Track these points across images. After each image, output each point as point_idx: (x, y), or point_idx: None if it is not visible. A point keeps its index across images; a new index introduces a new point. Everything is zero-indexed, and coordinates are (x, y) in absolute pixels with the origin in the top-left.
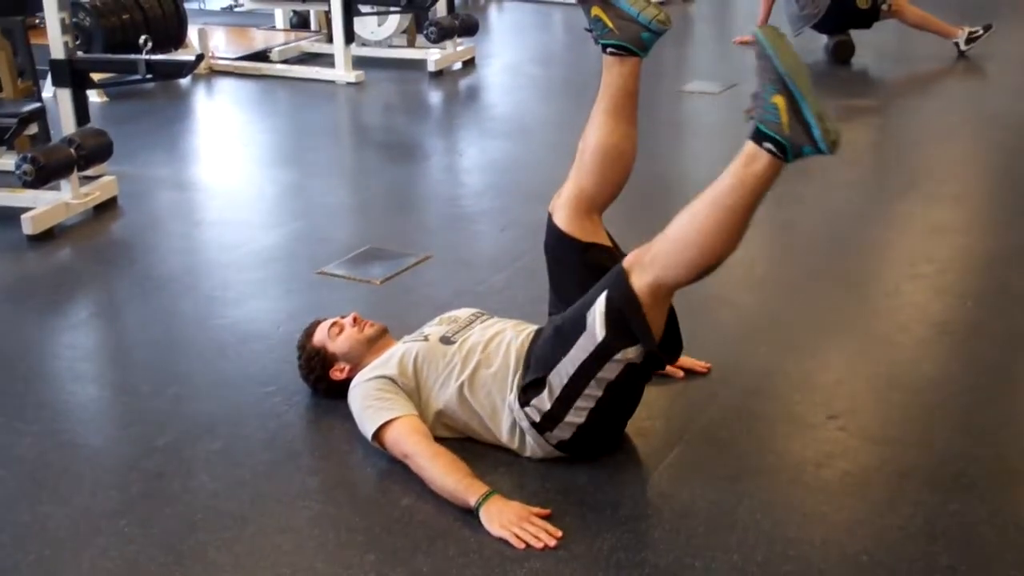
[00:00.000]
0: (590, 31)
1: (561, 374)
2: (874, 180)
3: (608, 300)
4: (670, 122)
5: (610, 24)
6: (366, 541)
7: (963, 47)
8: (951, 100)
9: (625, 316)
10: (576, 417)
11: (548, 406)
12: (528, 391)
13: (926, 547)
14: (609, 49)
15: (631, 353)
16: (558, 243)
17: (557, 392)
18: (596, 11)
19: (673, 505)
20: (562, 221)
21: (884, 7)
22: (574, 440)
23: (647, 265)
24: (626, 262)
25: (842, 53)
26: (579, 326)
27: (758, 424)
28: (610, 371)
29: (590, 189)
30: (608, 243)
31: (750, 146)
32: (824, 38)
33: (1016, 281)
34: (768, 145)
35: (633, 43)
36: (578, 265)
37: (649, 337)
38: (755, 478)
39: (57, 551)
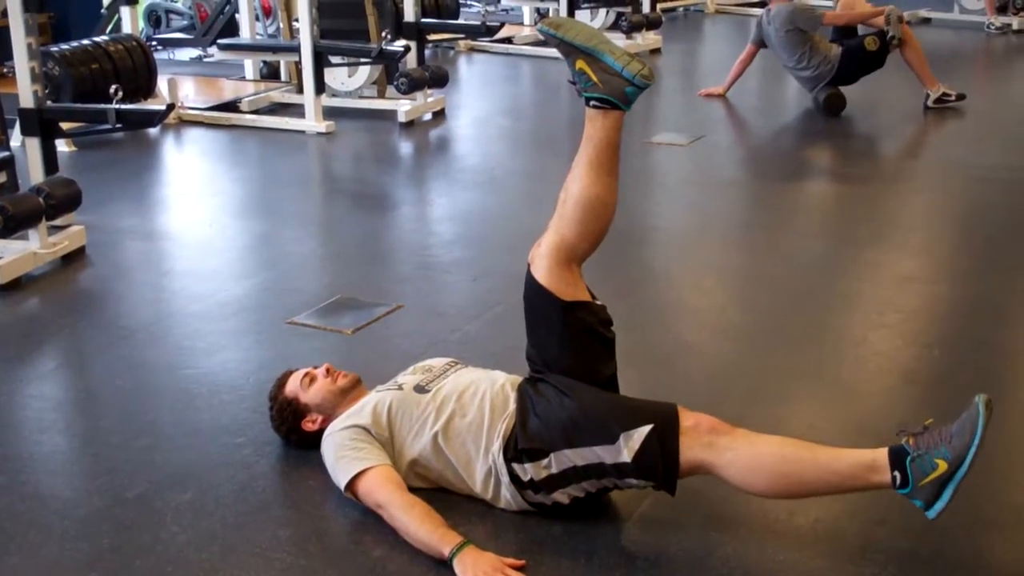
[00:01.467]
0: (574, 83)
1: (564, 460)
2: (842, 230)
3: (650, 443)
4: (638, 173)
5: (594, 78)
6: None
7: (930, 103)
8: (919, 151)
9: (661, 467)
10: (562, 498)
11: (540, 477)
12: (522, 454)
13: None
14: (593, 102)
15: (639, 483)
16: (538, 297)
17: (555, 471)
18: (580, 64)
19: (647, 554)
20: (542, 274)
21: (895, 42)
22: (552, 508)
23: (707, 443)
24: (688, 420)
25: (833, 106)
26: (606, 435)
27: None
28: (610, 482)
29: (571, 239)
30: (588, 297)
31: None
32: (798, 91)
33: (983, 330)
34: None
35: (617, 97)
36: (560, 326)
37: (671, 488)
38: (728, 526)
39: None
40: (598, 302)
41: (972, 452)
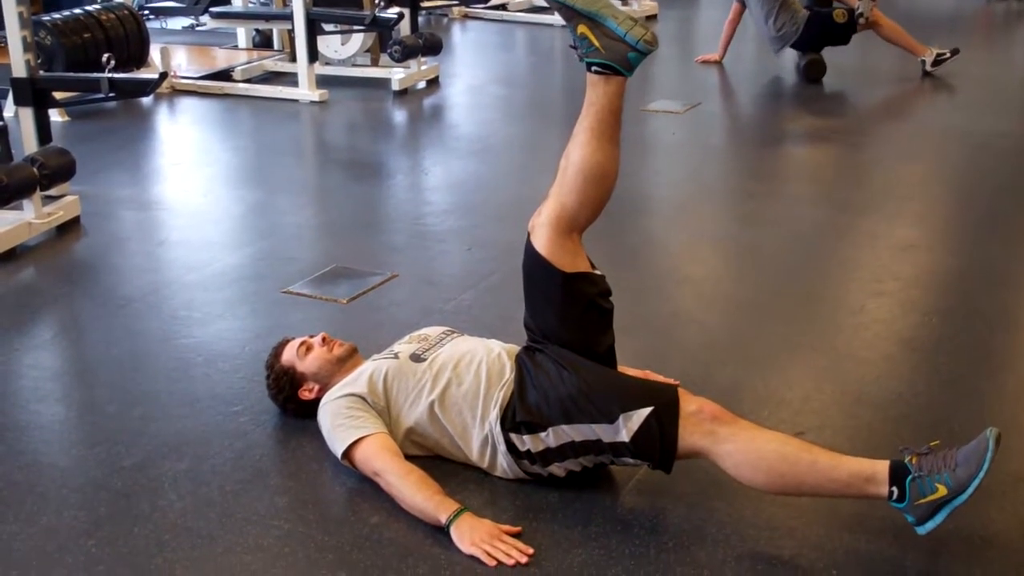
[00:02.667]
0: (575, 48)
1: (562, 435)
2: (839, 198)
3: (649, 425)
4: (633, 141)
5: (596, 43)
6: (336, 560)
7: (928, 68)
8: (916, 118)
9: (658, 450)
10: (558, 471)
11: (537, 449)
12: (520, 425)
13: (895, 562)
14: (595, 68)
15: (631, 461)
16: (537, 267)
17: (552, 445)
18: (583, 29)
19: (643, 521)
20: (542, 244)
21: (861, 20)
22: (547, 479)
23: (708, 431)
24: (690, 405)
25: (814, 72)
26: (605, 414)
27: None
28: (606, 458)
29: (572, 208)
30: (588, 267)
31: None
32: (793, 57)
33: (981, 297)
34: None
35: (619, 63)
36: (560, 297)
37: (667, 468)
38: (724, 494)
39: (24, 572)
40: (598, 272)
41: (976, 484)
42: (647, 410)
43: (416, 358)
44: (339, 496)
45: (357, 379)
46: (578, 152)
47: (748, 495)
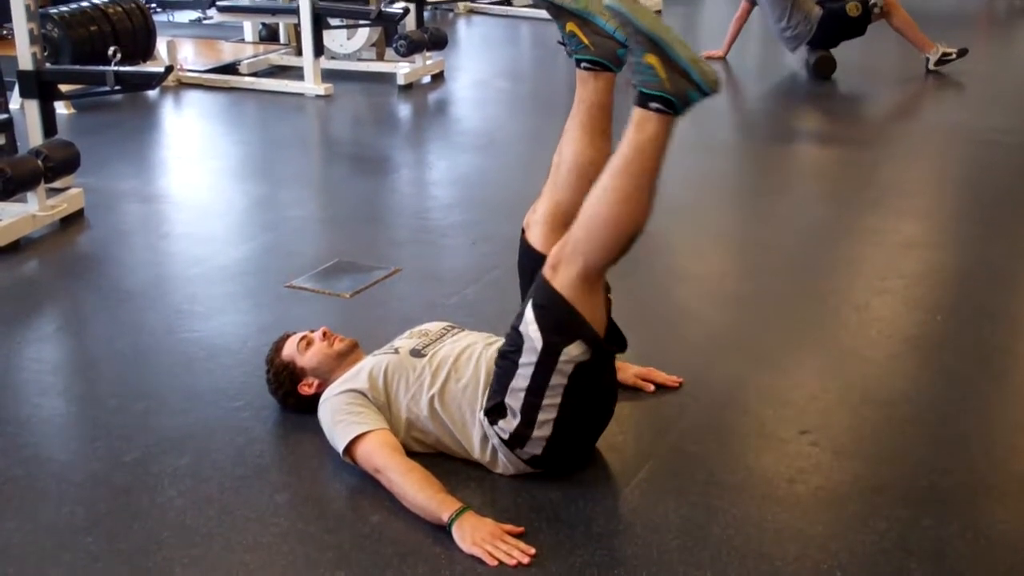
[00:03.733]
0: (563, 44)
1: (516, 394)
2: (844, 195)
3: (536, 307)
4: None
5: (585, 40)
6: (336, 558)
7: (932, 66)
8: (921, 116)
9: (556, 316)
10: (542, 431)
11: (513, 427)
12: (492, 414)
13: (899, 562)
14: (584, 64)
15: (575, 351)
16: (531, 263)
17: (518, 412)
18: (571, 27)
19: (645, 521)
20: (537, 240)
21: (876, 10)
22: (546, 455)
23: (567, 260)
24: (546, 266)
25: (824, 69)
26: (518, 342)
27: (730, 439)
28: (561, 376)
29: (565, 204)
30: None
31: (638, 112)
32: (798, 54)
33: (986, 295)
34: (655, 104)
35: (609, 59)
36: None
37: (586, 327)
38: (727, 493)
39: (21, 568)
40: None
41: (641, 25)
42: (529, 304)
43: (416, 353)
44: (339, 493)
45: (358, 375)
46: (570, 148)
47: (752, 494)
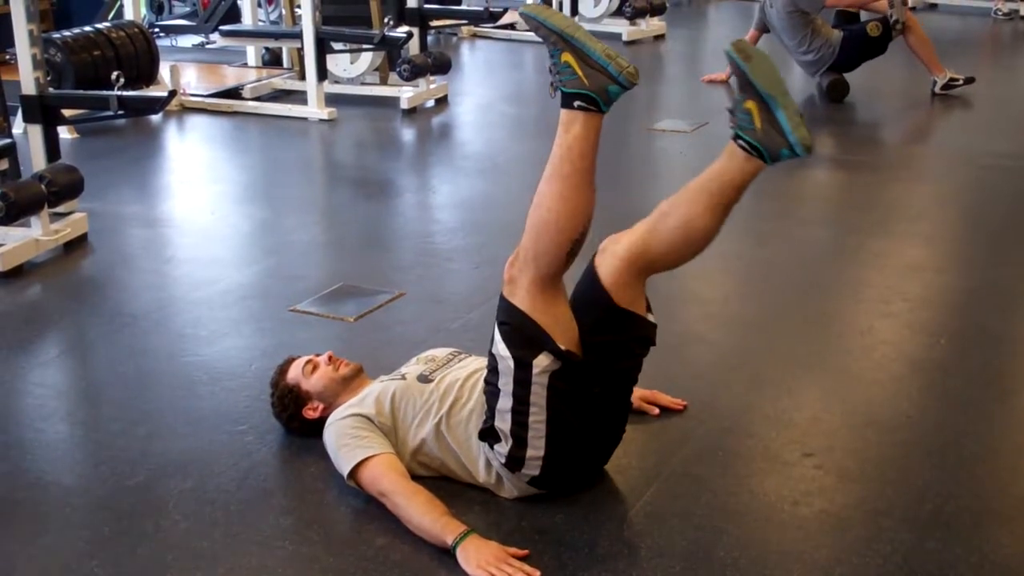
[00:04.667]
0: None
1: (504, 415)
2: (848, 219)
3: (500, 325)
4: (641, 160)
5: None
6: None
7: (938, 89)
8: (926, 139)
9: (518, 330)
10: (535, 451)
11: (507, 450)
12: (486, 437)
13: None
14: (577, 103)
15: (544, 361)
16: (590, 290)
17: (508, 434)
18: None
19: (650, 544)
20: (605, 269)
21: (898, 27)
22: (544, 475)
23: (519, 272)
24: (503, 283)
25: (837, 92)
26: (494, 364)
27: (734, 462)
28: (540, 388)
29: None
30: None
31: (563, 113)
32: (801, 77)
33: (990, 319)
34: (578, 103)
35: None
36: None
37: (545, 337)
38: (732, 516)
39: None
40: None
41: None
42: (495, 325)
43: (423, 379)
44: (344, 517)
45: (364, 400)
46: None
47: (756, 519)
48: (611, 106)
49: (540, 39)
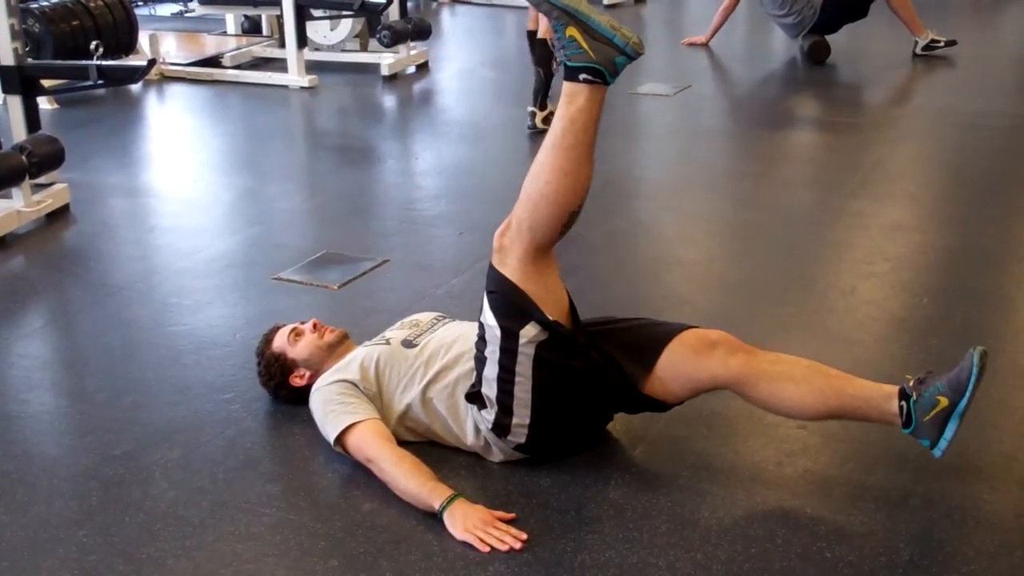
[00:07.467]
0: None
1: (489, 383)
2: (830, 180)
3: (489, 294)
4: (624, 124)
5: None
6: (328, 547)
7: (919, 50)
8: (908, 100)
9: (507, 300)
10: (520, 419)
11: (493, 416)
12: (472, 400)
13: (888, 543)
14: (582, 76)
15: (531, 331)
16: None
17: (494, 401)
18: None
19: (635, 505)
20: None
21: None
22: (531, 442)
23: (511, 242)
24: (493, 252)
25: (818, 54)
26: (482, 332)
27: (718, 423)
28: (525, 358)
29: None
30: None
31: (567, 86)
32: (782, 39)
33: (972, 277)
34: (584, 76)
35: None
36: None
37: (533, 307)
38: (716, 477)
39: (14, 562)
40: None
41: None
42: (484, 295)
43: (408, 344)
44: (331, 483)
45: (348, 365)
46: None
47: (741, 478)
48: (617, 77)
49: (543, 14)
